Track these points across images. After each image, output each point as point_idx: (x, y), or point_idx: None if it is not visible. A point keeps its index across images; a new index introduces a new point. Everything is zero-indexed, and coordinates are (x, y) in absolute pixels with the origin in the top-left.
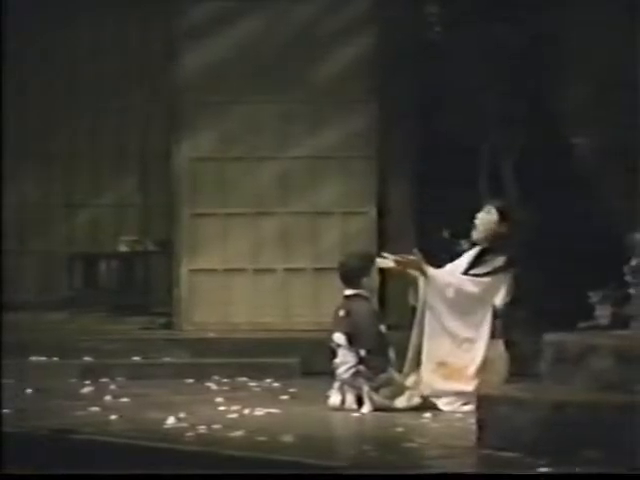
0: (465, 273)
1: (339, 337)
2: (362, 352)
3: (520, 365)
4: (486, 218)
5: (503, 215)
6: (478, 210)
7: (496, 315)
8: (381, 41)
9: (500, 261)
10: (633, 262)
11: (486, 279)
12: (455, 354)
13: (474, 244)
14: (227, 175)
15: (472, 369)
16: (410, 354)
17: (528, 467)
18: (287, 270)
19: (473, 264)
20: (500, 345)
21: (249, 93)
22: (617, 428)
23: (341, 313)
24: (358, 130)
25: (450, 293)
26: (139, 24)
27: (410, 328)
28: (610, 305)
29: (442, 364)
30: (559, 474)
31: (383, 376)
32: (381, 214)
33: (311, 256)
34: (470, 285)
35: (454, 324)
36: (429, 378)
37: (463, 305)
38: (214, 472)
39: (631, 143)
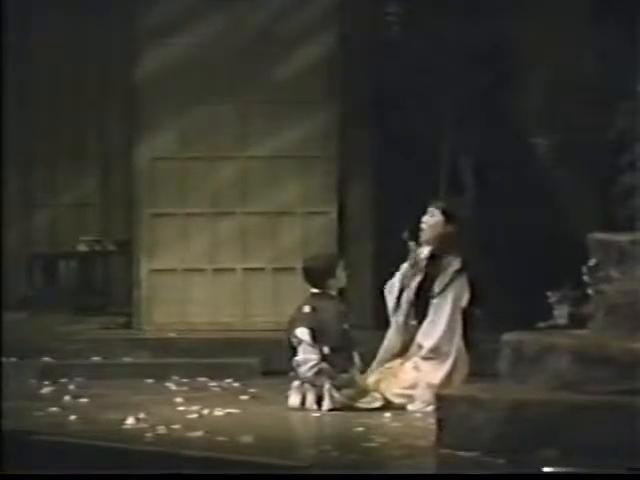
0: (421, 286)
1: (302, 332)
2: (326, 349)
3: (479, 364)
4: (431, 221)
5: (447, 216)
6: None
7: (464, 316)
8: (341, 41)
9: (456, 265)
10: (591, 262)
11: (445, 291)
12: (427, 367)
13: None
14: (187, 175)
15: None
16: (382, 355)
17: (487, 466)
18: (247, 270)
19: (427, 271)
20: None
21: (209, 93)
22: (574, 427)
23: (306, 309)
24: (318, 130)
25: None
26: (99, 23)
27: (373, 327)
28: (568, 305)
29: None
30: (558, 474)
31: (345, 376)
32: (341, 214)
33: (271, 256)
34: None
35: (423, 339)
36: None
37: (434, 320)
38: (173, 472)
39: (590, 144)
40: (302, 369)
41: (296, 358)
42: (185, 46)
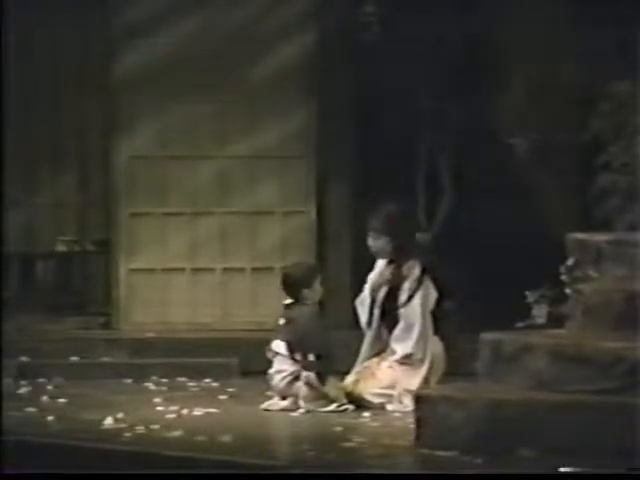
0: (387, 298)
1: (277, 345)
2: (311, 357)
3: (457, 364)
4: (372, 238)
5: (388, 220)
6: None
7: (434, 316)
8: (319, 41)
9: (416, 271)
10: (569, 262)
11: (412, 300)
12: (400, 371)
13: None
14: (165, 174)
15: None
16: (358, 367)
17: (466, 466)
18: (226, 270)
19: (391, 283)
20: (437, 343)
21: (187, 92)
22: (552, 427)
23: (281, 322)
24: (297, 130)
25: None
26: (77, 22)
27: (352, 328)
28: (546, 305)
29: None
30: (558, 474)
31: (326, 387)
32: (320, 214)
33: (250, 256)
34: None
35: (396, 345)
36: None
37: (405, 327)
38: (152, 472)
39: (567, 144)
40: (274, 381)
41: (269, 371)
42: (163, 45)
